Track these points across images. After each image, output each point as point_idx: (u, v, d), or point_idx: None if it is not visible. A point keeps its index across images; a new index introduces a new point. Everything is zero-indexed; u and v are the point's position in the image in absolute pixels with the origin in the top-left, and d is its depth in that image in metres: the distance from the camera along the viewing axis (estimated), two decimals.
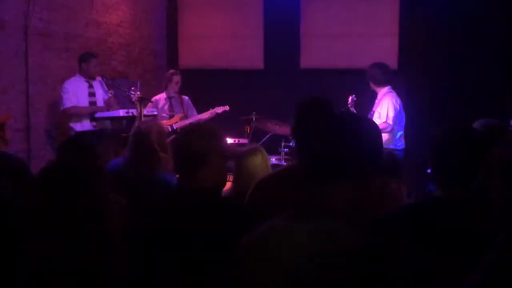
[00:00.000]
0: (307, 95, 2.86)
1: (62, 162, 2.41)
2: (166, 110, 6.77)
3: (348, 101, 5.84)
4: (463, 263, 1.85)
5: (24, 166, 3.50)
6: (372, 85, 5.92)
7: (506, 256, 1.28)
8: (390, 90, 5.90)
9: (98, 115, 6.27)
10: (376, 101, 5.95)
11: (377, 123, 5.60)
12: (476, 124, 3.08)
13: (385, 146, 5.62)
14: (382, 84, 5.87)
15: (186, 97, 6.97)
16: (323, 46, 7.88)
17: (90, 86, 6.32)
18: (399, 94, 5.94)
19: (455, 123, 2.21)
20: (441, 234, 1.95)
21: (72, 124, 6.17)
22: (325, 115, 2.36)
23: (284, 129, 6.31)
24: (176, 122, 6.70)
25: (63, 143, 3.23)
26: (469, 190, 2.07)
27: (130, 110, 5.93)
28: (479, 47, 7.08)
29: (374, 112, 5.89)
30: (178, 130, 6.65)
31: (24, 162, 3.79)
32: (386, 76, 5.90)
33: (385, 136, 5.78)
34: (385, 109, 5.77)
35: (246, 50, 8.24)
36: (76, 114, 6.17)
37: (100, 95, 6.36)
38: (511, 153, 1.38)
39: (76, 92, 6.19)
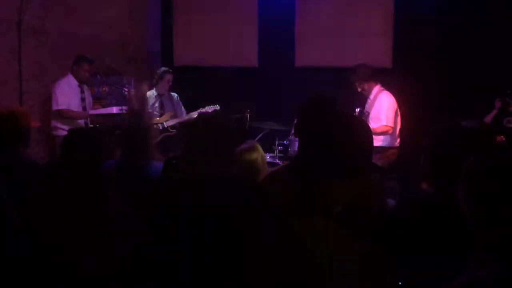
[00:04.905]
0: (310, 94, 2.86)
1: (66, 159, 2.37)
2: (156, 108, 6.77)
3: (355, 112, 5.83)
4: (456, 259, 1.88)
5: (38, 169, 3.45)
6: (363, 84, 5.87)
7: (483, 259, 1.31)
8: (382, 88, 5.91)
9: (92, 112, 6.27)
10: (369, 100, 5.92)
11: (376, 125, 5.66)
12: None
13: (388, 146, 5.67)
14: (375, 81, 5.88)
15: (175, 94, 6.98)
16: (317, 45, 7.87)
17: (82, 91, 6.32)
18: (393, 92, 5.96)
19: (451, 123, 2.25)
20: (439, 229, 1.98)
21: (63, 125, 6.12)
22: (324, 115, 2.38)
23: (278, 127, 6.31)
24: (167, 120, 6.70)
25: (69, 137, 3.13)
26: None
27: (124, 107, 5.92)
28: (472, 46, 7.10)
29: (369, 113, 5.84)
30: (168, 129, 6.66)
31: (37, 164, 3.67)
32: (375, 74, 5.92)
33: (387, 138, 5.79)
34: (383, 111, 5.75)
35: (240, 48, 8.22)
36: (69, 117, 6.13)
37: (89, 101, 6.39)
38: (478, 164, 1.40)
39: (70, 95, 6.16)
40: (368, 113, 5.82)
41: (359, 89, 5.91)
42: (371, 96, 5.87)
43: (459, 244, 1.92)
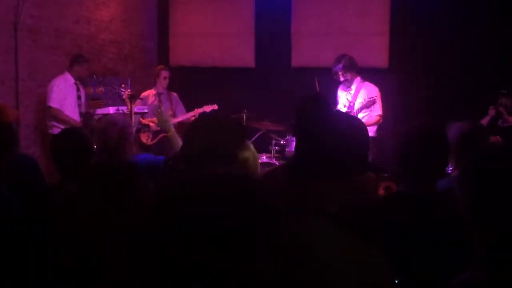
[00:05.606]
0: (306, 94, 2.87)
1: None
2: (155, 107, 6.76)
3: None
4: (428, 259, 1.89)
5: (36, 167, 3.43)
6: (346, 73, 5.87)
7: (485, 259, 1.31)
8: (362, 79, 5.94)
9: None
10: (351, 91, 5.92)
11: (365, 114, 5.68)
12: (456, 126, 3.09)
13: (377, 135, 5.69)
14: (356, 71, 5.92)
15: (175, 94, 6.97)
16: (314, 45, 7.87)
17: (78, 89, 6.31)
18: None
19: (424, 122, 2.27)
20: (407, 228, 1.99)
21: (59, 124, 6.10)
22: (321, 114, 2.38)
23: (275, 127, 6.31)
24: None
25: (58, 137, 3.11)
26: (434, 188, 2.13)
27: (120, 108, 5.91)
28: (470, 45, 7.11)
29: (353, 103, 5.82)
30: None
31: (35, 162, 3.64)
32: (357, 65, 5.96)
33: (374, 127, 5.83)
34: (377, 101, 5.78)
35: (237, 48, 8.22)
36: (59, 118, 6.11)
37: (84, 100, 6.39)
38: (480, 161, 1.40)
39: (65, 93, 6.16)
40: (353, 104, 5.81)
41: (342, 78, 5.91)
42: (353, 87, 5.91)
43: (429, 244, 1.94)
